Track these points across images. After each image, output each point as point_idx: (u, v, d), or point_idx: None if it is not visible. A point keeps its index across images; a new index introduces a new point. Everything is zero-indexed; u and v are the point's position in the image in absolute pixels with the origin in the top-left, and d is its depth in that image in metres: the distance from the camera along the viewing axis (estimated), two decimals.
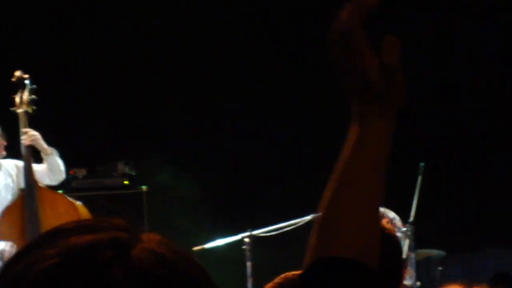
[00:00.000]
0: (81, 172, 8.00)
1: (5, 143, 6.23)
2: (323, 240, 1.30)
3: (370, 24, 1.33)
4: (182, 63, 8.72)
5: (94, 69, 8.57)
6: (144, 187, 7.90)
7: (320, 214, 1.33)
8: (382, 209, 6.80)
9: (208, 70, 8.75)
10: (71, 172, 7.94)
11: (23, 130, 6.16)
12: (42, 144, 6.26)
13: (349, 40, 1.30)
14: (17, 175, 6.27)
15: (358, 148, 1.33)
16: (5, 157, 6.35)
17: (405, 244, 6.37)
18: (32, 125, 6.24)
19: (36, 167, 6.27)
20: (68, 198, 6.28)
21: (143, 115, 8.53)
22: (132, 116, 8.56)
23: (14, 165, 6.29)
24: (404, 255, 6.38)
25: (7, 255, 5.94)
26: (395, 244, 2.84)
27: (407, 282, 6.51)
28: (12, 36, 8.42)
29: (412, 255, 6.39)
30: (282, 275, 2.38)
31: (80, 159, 8.29)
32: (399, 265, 2.84)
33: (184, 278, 0.88)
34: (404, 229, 6.47)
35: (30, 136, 6.14)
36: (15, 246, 5.94)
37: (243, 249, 6.48)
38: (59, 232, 0.90)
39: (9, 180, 6.24)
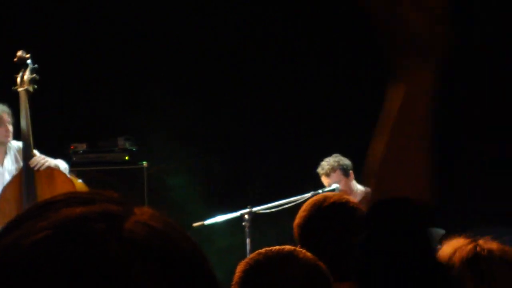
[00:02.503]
0: (82, 147, 8.00)
1: (11, 129, 6.23)
2: (380, 185, 1.39)
3: None
4: (186, 39, 8.69)
5: (95, 43, 8.55)
6: (144, 163, 7.90)
7: (374, 161, 1.41)
8: None
9: (209, 47, 8.72)
10: (71, 147, 7.95)
11: (34, 161, 6.12)
12: (54, 163, 6.23)
13: None
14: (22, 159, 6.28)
15: (405, 100, 1.37)
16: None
17: None
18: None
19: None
20: (67, 175, 6.27)
21: (144, 90, 8.51)
22: (133, 91, 8.55)
23: (19, 147, 6.29)
24: None
25: None
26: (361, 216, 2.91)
27: None
28: (11, 14, 8.39)
29: None
30: (256, 252, 2.39)
31: (81, 133, 8.29)
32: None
33: (175, 250, 0.88)
34: None
35: (39, 162, 6.12)
36: None
37: (243, 225, 6.49)
38: (50, 204, 0.89)
39: (15, 167, 6.27)
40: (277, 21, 8.70)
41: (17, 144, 6.32)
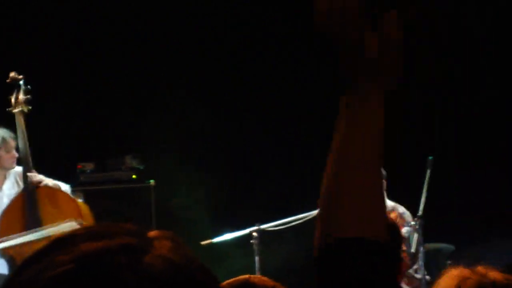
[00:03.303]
0: (89, 166, 8.00)
1: (16, 155, 6.26)
2: (329, 224, 1.32)
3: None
4: (192, 57, 8.70)
5: (101, 62, 8.56)
6: (152, 181, 7.89)
7: (322, 197, 1.35)
8: (392, 204, 6.79)
9: (214, 63, 8.73)
10: (79, 166, 7.94)
11: (33, 176, 6.15)
12: (52, 183, 6.25)
13: (345, 12, 1.30)
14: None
15: (356, 124, 1.34)
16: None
17: (414, 238, 6.36)
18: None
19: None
20: (69, 194, 6.27)
21: (151, 108, 8.51)
22: (140, 110, 8.55)
23: (19, 173, 6.29)
24: (413, 249, 6.36)
25: None
26: (395, 232, 2.89)
27: (416, 276, 6.50)
28: (9, 36, 8.41)
29: (421, 249, 6.38)
30: (241, 277, 2.36)
31: (88, 152, 8.29)
32: (398, 253, 2.89)
33: (192, 283, 0.89)
34: (413, 223, 6.45)
35: (37, 178, 6.15)
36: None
37: (251, 243, 6.47)
38: (70, 238, 0.90)
39: (14, 191, 6.27)
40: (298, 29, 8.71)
41: (17, 169, 6.32)
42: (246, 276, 2.34)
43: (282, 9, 8.57)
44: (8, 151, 6.25)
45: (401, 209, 6.76)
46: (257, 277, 2.34)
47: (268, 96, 8.70)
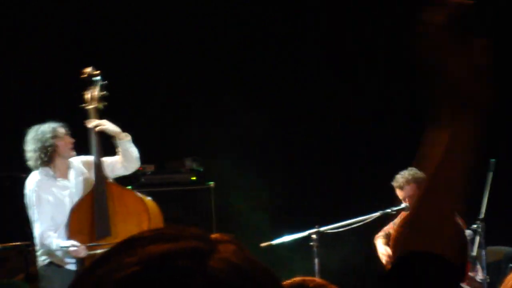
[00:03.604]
0: (150, 168, 8.07)
1: (72, 140, 6.26)
2: (413, 235, 1.39)
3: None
4: (253, 62, 8.72)
5: (161, 65, 8.62)
6: (212, 183, 7.93)
7: (412, 209, 1.43)
8: None
9: (276, 69, 8.74)
10: (140, 168, 8.02)
11: (90, 121, 6.19)
12: (113, 128, 6.27)
13: (440, 41, 1.35)
14: (89, 171, 6.30)
15: (450, 151, 1.40)
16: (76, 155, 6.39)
17: (476, 241, 6.29)
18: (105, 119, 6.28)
19: (109, 159, 6.31)
20: (137, 193, 6.32)
21: (211, 111, 8.55)
22: (200, 112, 8.59)
23: (85, 161, 6.31)
24: (474, 252, 6.29)
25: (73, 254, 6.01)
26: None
27: (477, 278, 6.43)
28: (80, 32, 8.52)
29: (483, 252, 6.31)
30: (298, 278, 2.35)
31: (149, 155, 8.36)
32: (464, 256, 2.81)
33: (255, 287, 0.91)
34: (475, 225, 6.39)
35: (98, 124, 6.18)
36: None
37: (311, 245, 6.46)
38: (137, 241, 0.92)
39: (81, 178, 6.29)
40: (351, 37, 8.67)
41: (80, 158, 6.34)
42: (301, 278, 2.33)
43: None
44: (62, 139, 6.23)
45: None
46: (312, 279, 2.33)
47: (327, 101, 8.68)
